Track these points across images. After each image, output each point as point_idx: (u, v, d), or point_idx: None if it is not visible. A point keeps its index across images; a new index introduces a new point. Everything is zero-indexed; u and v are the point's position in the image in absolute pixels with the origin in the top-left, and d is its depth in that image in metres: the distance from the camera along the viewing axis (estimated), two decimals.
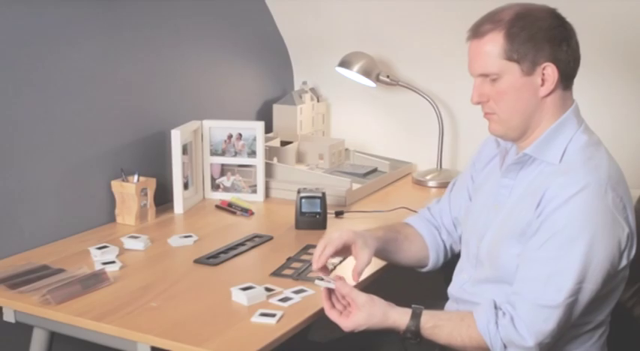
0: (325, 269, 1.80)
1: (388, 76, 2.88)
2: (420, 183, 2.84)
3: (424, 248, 1.98)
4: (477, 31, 1.66)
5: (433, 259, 1.99)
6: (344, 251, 1.82)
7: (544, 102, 1.66)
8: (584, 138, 1.68)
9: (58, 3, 2.14)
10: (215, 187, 2.64)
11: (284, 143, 2.90)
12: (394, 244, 1.93)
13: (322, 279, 1.74)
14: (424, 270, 2.02)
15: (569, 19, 1.69)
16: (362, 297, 1.70)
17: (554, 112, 1.68)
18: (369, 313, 1.68)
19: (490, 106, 1.69)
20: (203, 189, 2.64)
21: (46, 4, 2.11)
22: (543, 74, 1.63)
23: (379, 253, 1.90)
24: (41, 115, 2.12)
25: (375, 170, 2.87)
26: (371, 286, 1.98)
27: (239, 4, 2.91)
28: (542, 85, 1.64)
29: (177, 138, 2.41)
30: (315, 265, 1.77)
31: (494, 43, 1.63)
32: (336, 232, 1.81)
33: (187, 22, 2.65)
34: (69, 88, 2.20)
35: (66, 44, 2.18)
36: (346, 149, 2.98)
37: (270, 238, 2.23)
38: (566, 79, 1.67)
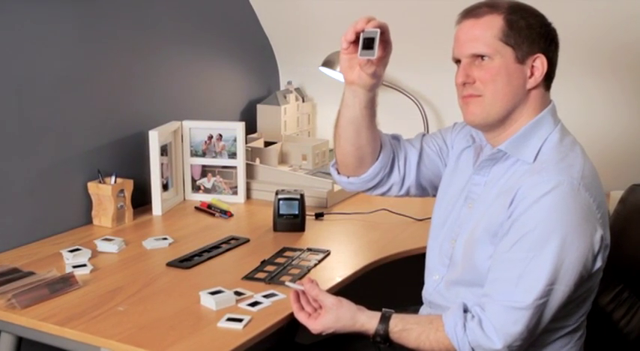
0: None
1: None
2: None
3: (378, 147, 1.89)
4: (474, 12, 1.65)
5: (385, 158, 1.89)
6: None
7: (529, 95, 1.65)
8: (558, 138, 1.65)
9: (33, 1, 2.11)
10: (196, 188, 2.61)
11: (268, 144, 2.87)
12: (374, 114, 1.86)
13: (293, 281, 1.74)
14: (363, 172, 1.91)
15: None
16: (330, 299, 1.69)
17: (535, 108, 1.66)
18: (336, 315, 1.67)
19: (477, 87, 1.64)
20: (184, 190, 2.61)
21: (21, 3, 2.08)
22: (533, 66, 1.62)
23: (369, 98, 1.83)
24: (14, 116, 2.10)
25: None
26: (350, 289, 1.96)
27: (222, 2, 2.87)
28: (531, 76, 1.63)
29: (155, 139, 2.39)
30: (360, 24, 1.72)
31: (493, 24, 1.62)
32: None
33: (167, 21, 2.62)
34: (44, 88, 2.17)
35: (40, 43, 2.15)
36: (331, 150, 2.94)
37: (247, 241, 2.20)
38: (548, 78, 1.66)
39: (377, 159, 1.90)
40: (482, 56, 1.63)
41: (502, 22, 1.61)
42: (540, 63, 1.63)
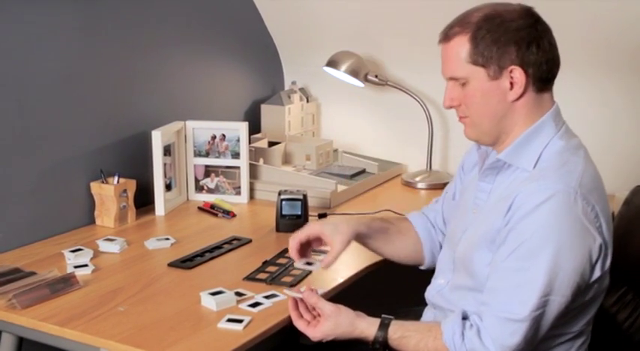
0: (309, 255, 1.80)
1: (377, 76, 2.84)
2: (409, 185, 2.80)
3: (418, 245, 1.94)
4: (446, 34, 1.63)
5: (429, 257, 1.95)
6: (321, 242, 1.79)
7: (515, 106, 1.61)
8: (560, 143, 1.62)
9: (35, 0, 2.11)
10: (199, 188, 2.61)
11: (272, 144, 2.86)
12: (383, 234, 1.89)
13: (294, 284, 1.75)
14: (422, 268, 1.98)
15: (549, 18, 1.64)
16: (328, 307, 1.68)
17: (528, 115, 1.62)
18: (335, 322, 1.66)
19: (462, 109, 1.66)
20: (187, 190, 2.60)
21: (23, 2, 2.08)
22: (512, 78, 1.58)
23: (366, 241, 1.86)
24: (16, 115, 2.09)
25: (363, 171, 2.82)
26: (353, 290, 1.95)
27: (226, 2, 2.87)
28: (511, 89, 1.59)
29: (157, 139, 2.38)
30: (295, 258, 1.78)
31: (461, 47, 1.59)
32: (306, 225, 1.81)
33: (171, 20, 2.62)
34: (46, 88, 2.17)
35: (42, 42, 2.15)
36: (335, 150, 2.94)
37: (249, 241, 2.19)
38: (539, 81, 1.60)
39: (424, 257, 1.96)
40: (459, 79, 1.62)
41: (468, 43, 1.58)
42: (518, 74, 1.58)
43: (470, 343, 1.54)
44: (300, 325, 1.69)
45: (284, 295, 1.80)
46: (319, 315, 1.70)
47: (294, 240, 1.76)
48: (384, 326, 1.63)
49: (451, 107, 1.68)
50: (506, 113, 1.62)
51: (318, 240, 1.79)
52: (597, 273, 1.57)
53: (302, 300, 1.71)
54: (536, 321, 1.52)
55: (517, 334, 1.51)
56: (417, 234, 1.95)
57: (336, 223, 1.79)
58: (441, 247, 1.94)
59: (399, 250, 1.93)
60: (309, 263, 1.77)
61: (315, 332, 1.67)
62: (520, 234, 1.52)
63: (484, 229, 1.63)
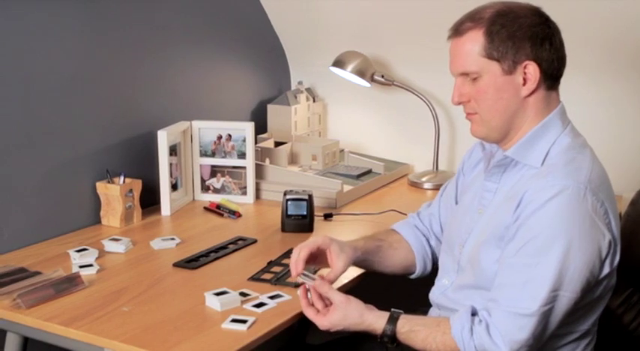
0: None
1: (383, 76, 2.84)
2: (415, 185, 2.80)
3: (410, 255, 1.95)
4: (458, 30, 1.63)
5: (420, 266, 1.96)
6: (321, 258, 1.79)
7: (526, 102, 1.62)
8: (567, 140, 1.63)
9: (41, 0, 2.11)
10: (205, 188, 2.61)
11: (278, 144, 2.86)
12: (377, 253, 1.90)
13: (305, 275, 1.74)
14: (412, 277, 1.99)
15: (556, 18, 1.65)
16: (339, 297, 1.68)
17: (537, 113, 1.63)
18: (344, 313, 1.66)
19: (471, 106, 1.65)
20: (193, 190, 2.60)
21: (29, 2, 2.08)
22: (525, 73, 1.59)
23: (361, 264, 1.88)
24: (23, 115, 2.10)
25: (369, 172, 2.82)
26: (357, 291, 1.94)
27: (232, 2, 2.87)
28: (524, 84, 1.60)
29: (163, 139, 2.38)
30: (293, 271, 1.75)
31: (475, 41, 1.60)
32: (312, 237, 1.80)
33: (177, 20, 2.62)
34: (52, 88, 2.17)
35: (48, 42, 2.15)
36: (341, 150, 2.93)
37: (254, 241, 2.19)
38: (550, 78, 1.62)
39: (416, 266, 1.96)
40: (470, 74, 1.62)
41: (482, 37, 1.59)
42: (532, 69, 1.59)
43: (478, 338, 1.54)
44: (309, 313, 1.69)
45: (291, 287, 1.81)
46: (330, 304, 1.70)
47: (304, 250, 1.74)
48: (392, 320, 1.63)
49: (460, 103, 1.67)
50: (518, 109, 1.62)
51: (322, 254, 1.79)
52: (606, 269, 1.57)
53: (314, 288, 1.71)
54: (545, 316, 1.52)
55: (526, 329, 1.51)
56: (408, 245, 1.95)
57: (342, 244, 1.80)
58: (433, 253, 1.95)
59: (391, 265, 1.94)
60: (309, 278, 1.75)
61: (323, 321, 1.67)
62: (529, 229, 1.52)
63: (492, 228, 1.63)
